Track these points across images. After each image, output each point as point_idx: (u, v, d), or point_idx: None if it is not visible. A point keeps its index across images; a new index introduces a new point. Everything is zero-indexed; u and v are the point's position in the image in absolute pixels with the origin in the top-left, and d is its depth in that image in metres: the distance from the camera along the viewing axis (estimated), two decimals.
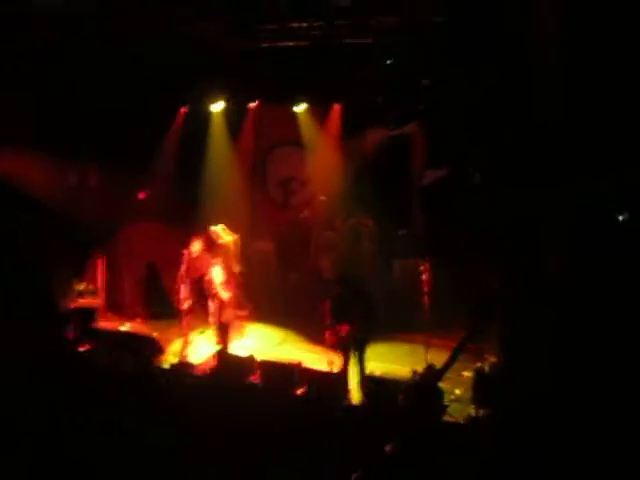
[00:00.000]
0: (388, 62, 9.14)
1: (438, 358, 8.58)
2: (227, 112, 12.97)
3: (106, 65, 10.99)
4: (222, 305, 10.43)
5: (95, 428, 6.87)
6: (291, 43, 9.91)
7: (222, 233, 11.21)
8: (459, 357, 8.19)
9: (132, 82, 11.26)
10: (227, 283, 10.49)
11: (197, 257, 10.64)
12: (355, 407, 8.55)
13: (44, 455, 6.24)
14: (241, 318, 11.27)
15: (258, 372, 9.07)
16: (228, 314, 10.50)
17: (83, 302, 11.69)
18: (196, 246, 10.66)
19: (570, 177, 6.19)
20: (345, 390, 8.77)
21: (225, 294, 10.42)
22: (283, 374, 8.86)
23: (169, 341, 11.00)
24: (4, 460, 6.05)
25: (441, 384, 7.86)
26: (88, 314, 11.08)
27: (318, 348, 10.69)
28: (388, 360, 9.94)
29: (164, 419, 7.26)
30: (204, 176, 13.21)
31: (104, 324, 11.82)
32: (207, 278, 10.53)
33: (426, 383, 6.59)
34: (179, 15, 9.70)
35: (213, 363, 9.69)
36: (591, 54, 5.75)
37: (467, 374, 8.81)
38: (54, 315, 10.52)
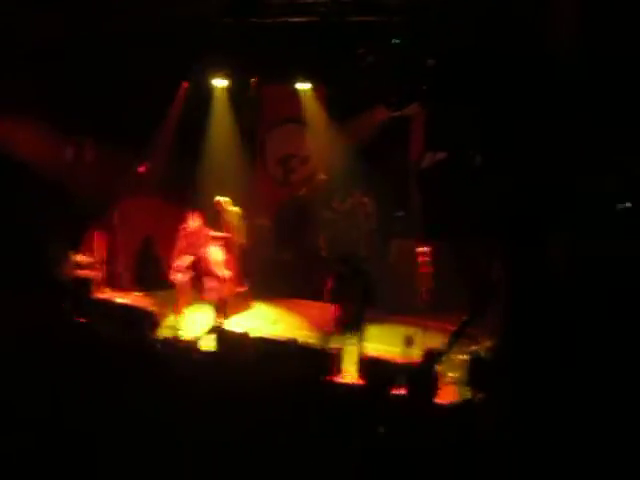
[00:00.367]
0: (393, 41, 9.08)
1: (433, 341, 8.62)
2: (230, 88, 12.90)
3: (106, 37, 10.90)
4: (220, 281, 10.42)
5: (93, 399, 6.89)
6: (296, 19, 9.82)
7: (227, 205, 11.22)
8: (457, 340, 8.27)
9: (132, 55, 11.17)
10: (227, 262, 10.47)
11: (194, 232, 10.63)
12: (349, 386, 8.58)
13: (44, 426, 6.26)
14: (240, 295, 11.27)
15: (253, 349, 9.09)
16: (227, 290, 10.50)
17: (80, 273, 11.66)
18: (193, 222, 10.64)
19: (573, 164, 6.18)
20: (339, 369, 8.80)
21: (224, 272, 10.41)
22: (278, 351, 8.88)
23: (164, 315, 11.01)
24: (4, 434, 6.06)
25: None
26: (84, 285, 11.08)
27: (313, 325, 10.73)
28: (382, 341, 9.96)
29: (161, 391, 7.29)
30: (204, 151, 13.15)
31: (100, 296, 11.83)
32: (203, 255, 10.52)
33: (425, 366, 6.62)
34: None
35: (207, 339, 9.70)
36: (604, 41, 5.72)
37: (462, 357, 8.83)
38: (51, 285, 10.53)
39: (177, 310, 10.83)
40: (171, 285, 10.98)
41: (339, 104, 12.54)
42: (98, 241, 12.47)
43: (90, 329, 9.40)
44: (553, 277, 5.69)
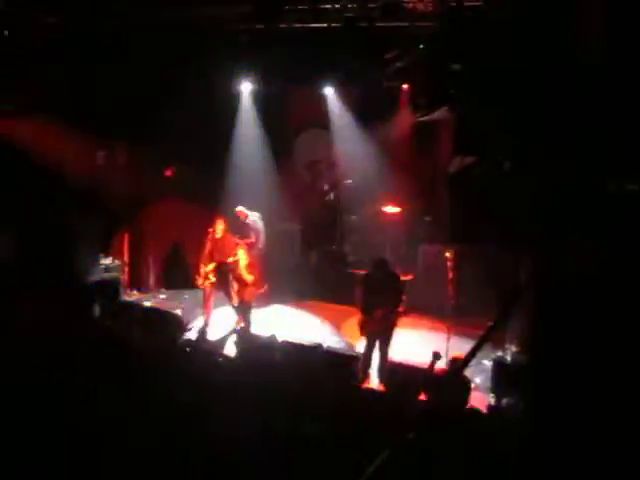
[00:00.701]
0: (420, 47, 9.06)
1: (459, 346, 8.57)
2: (257, 93, 12.96)
3: (137, 42, 11.00)
4: (245, 285, 10.46)
5: (121, 403, 6.94)
6: (323, 24, 9.84)
7: (246, 211, 11.28)
8: (482, 345, 8.20)
9: (162, 60, 11.25)
10: (250, 265, 10.51)
11: (221, 238, 10.68)
12: (374, 391, 8.56)
13: (70, 430, 6.31)
14: (260, 297, 11.30)
15: (279, 353, 9.09)
16: (250, 294, 10.53)
17: (109, 276, 11.79)
18: (220, 227, 10.70)
19: (601, 169, 6.11)
20: (366, 374, 8.79)
21: (249, 277, 10.45)
22: (304, 356, 8.88)
23: (191, 318, 11.10)
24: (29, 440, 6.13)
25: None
26: (113, 288, 11.19)
27: (339, 330, 10.73)
28: (409, 346, 9.93)
29: (189, 394, 7.32)
30: (231, 156, 13.23)
31: (128, 299, 11.97)
32: (231, 260, 10.56)
33: (452, 372, 6.56)
34: None
35: (233, 343, 9.73)
36: (631, 46, 5.65)
37: (487, 363, 8.78)
38: (80, 289, 10.65)
39: (204, 314, 10.89)
40: (198, 289, 11.04)
41: (366, 109, 12.55)
42: (127, 244, 12.62)
43: (118, 332, 9.46)
44: (581, 282, 5.63)
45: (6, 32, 10.69)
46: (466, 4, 8.41)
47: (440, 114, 10.60)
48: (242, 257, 10.45)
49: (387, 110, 12.22)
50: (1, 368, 7.32)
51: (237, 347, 9.49)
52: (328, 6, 9.52)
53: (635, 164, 5.81)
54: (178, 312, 11.08)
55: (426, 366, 8.10)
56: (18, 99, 11.12)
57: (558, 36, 5.88)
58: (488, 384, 8.29)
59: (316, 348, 8.97)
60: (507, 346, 8.58)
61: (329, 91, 12.63)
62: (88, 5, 10.62)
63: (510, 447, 5.37)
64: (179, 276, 12.82)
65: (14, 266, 10.62)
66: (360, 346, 9.17)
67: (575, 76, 5.84)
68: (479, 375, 8.76)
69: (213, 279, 10.73)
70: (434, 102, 9.78)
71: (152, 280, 13.14)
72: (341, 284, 11.81)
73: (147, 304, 11.85)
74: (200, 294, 11.07)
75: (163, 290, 12.87)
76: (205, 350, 9.71)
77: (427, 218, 13.06)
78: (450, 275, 9.98)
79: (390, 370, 8.57)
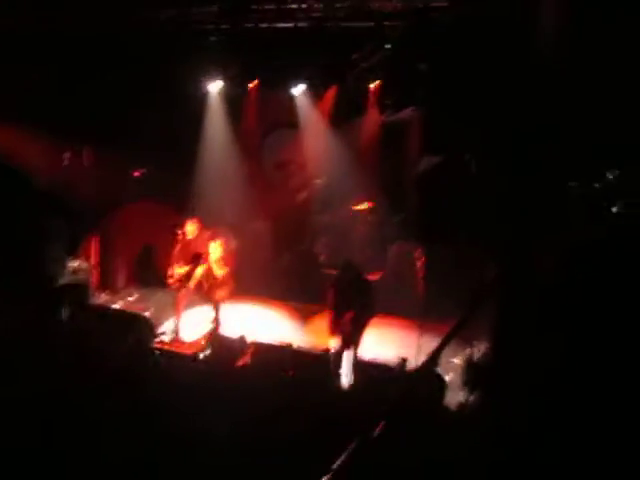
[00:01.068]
0: (387, 46, 9.10)
1: (430, 345, 8.60)
2: (225, 93, 12.92)
3: (102, 43, 10.93)
4: (215, 284, 10.41)
5: (89, 405, 6.89)
6: (290, 24, 9.84)
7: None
8: (450, 343, 8.26)
9: (129, 62, 11.19)
10: (222, 260, 10.45)
11: (193, 239, 10.63)
12: (345, 390, 8.59)
13: (39, 434, 6.27)
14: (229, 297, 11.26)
15: (249, 354, 9.09)
16: (221, 293, 10.48)
17: (77, 279, 11.67)
18: (191, 227, 10.65)
19: (566, 170, 6.20)
20: (336, 373, 8.81)
21: (219, 271, 10.39)
22: (274, 355, 8.89)
23: (161, 320, 11.04)
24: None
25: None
26: (81, 291, 11.08)
27: (309, 329, 10.74)
28: (379, 345, 9.96)
29: (158, 396, 7.30)
30: (201, 156, 13.17)
31: (97, 302, 11.85)
32: (204, 255, 10.49)
33: (424, 370, 6.62)
34: None
35: (204, 344, 9.71)
36: (593, 49, 5.74)
37: (457, 361, 8.85)
38: (47, 292, 10.53)
39: (175, 315, 10.83)
40: (168, 290, 10.98)
41: (335, 109, 12.56)
42: (95, 246, 12.50)
43: (86, 335, 9.39)
44: (546, 280, 5.70)
45: None
46: (432, 5, 8.47)
47: (407, 114, 10.66)
48: (214, 250, 10.39)
49: (356, 110, 12.24)
50: None
51: (207, 348, 9.48)
52: (294, 6, 9.54)
53: (597, 163, 5.90)
54: (147, 314, 11.01)
55: (395, 365, 8.18)
56: None
57: (522, 36, 5.95)
58: (459, 381, 8.36)
59: (286, 348, 8.98)
60: (475, 343, 8.64)
61: (297, 91, 12.62)
62: (55, 7, 10.54)
63: (475, 443, 5.42)
64: (149, 278, 12.72)
65: None
66: (330, 346, 9.18)
67: (539, 76, 5.91)
68: (450, 373, 8.82)
69: (186, 282, 10.66)
70: (401, 102, 9.84)
71: (121, 282, 13.02)
72: (312, 284, 11.81)
73: (116, 306, 11.76)
74: (170, 296, 11.01)
75: (133, 292, 12.76)
76: (174, 351, 9.68)
77: (396, 218, 13.10)
78: (419, 274, 10.05)
79: (360, 369, 8.61)
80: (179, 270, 10.61)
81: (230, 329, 10.44)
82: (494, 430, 5.40)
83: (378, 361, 8.61)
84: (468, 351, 8.34)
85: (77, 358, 8.17)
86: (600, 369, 5.40)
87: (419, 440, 6.09)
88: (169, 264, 10.68)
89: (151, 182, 12.97)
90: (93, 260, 12.48)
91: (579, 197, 5.92)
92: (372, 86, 11.53)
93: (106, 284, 12.79)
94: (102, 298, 12.30)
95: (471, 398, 7.40)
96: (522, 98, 6.36)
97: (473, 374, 7.74)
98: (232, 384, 8.09)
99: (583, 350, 5.48)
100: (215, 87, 12.67)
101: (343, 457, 4.19)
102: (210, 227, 11.24)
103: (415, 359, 8.79)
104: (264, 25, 9.90)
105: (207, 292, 10.55)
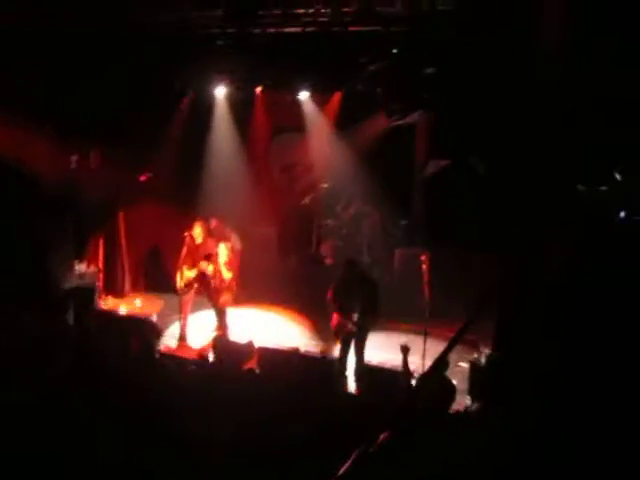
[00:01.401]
0: (394, 51, 9.11)
1: (436, 348, 8.59)
2: (232, 97, 12.94)
3: (111, 49, 10.95)
4: (220, 288, 10.41)
5: (95, 410, 6.88)
6: (297, 29, 9.85)
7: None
8: (456, 348, 8.24)
9: (136, 65, 11.21)
10: (230, 263, 10.45)
11: (201, 243, 10.63)
12: (351, 395, 8.57)
13: (45, 439, 6.26)
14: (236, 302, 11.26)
15: (256, 358, 9.07)
16: (226, 298, 10.48)
17: (83, 283, 11.68)
18: (198, 231, 10.65)
19: (573, 174, 6.18)
20: (343, 378, 8.79)
21: (227, 274, 10.38)
22: (281, 360, 8.87)
23: (168, 324, 11.05)
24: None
25: None
26: (87, 295, 11.09)
27: (316, 334, 10.74)
28: (386, 349, 9.95)
29: (164, 402, 7.28)
30: (207, 160, 13.20)
31: (104, 305, 11.87)
32: (212, 258, 10.48)
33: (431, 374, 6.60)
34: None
35: (210, 349, 9.69)
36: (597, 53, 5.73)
37: (464, 365, 8.82)
38: (54, 296, 10.54)
39: (181, 319, 10.83)
40: (174, 294, 10.98)
41: (341, 113, 12.57)
42: (102, 250, 12.52)
43: (92, 340, 9.39)
44: (553, 284, 5.69)
45: None
46: (439, 9, 8.46)
47: (414, 118, 10.66)
48: (223, 253, 10.39)
49: (362, 114, 12.25)
50: None
51: (214, 353, 9.47)
52: (302, 11, 9.54)
53: (600, 166, 5.89)
54: (154, 318, 11.01)
55: (402, 368, 8.14)
56: None
57: (526, 38, 5.94)
58: (465, 386, 8.33)
59: (293, 353, 8.96)
60: (482, 348, 8.63)
61: (304, 95, 12.64)
62: (63, 8, 10.56)
63: (480, 448, 5.40)
64: (155, 282, 12.75)
65: None
66: (337, 350, 9.18)
67: (544, 79, 5.90)
68: (456, 377, 8.78)
69: (195, 285, 10.66)
70: (408, 106, 9.84)
71: (128, 286, 13.04)
72: (318, 288, 11.80)
73: (122, 310, 11.77)
74: (176, 300, 11.01)
75: (139, 296, 12.78)
76: (181, 356, 9.67)
77: (403, 221, 13.10)
78: (426, 278, 10.02)
79: (367, 373, 8.59)
80: (188, 274, 10.61)
81: (237, 333, 10.44)
82: (500, 434, 5.39)
83: (385, 366, 8.57)
84: (474, 355, 8.34)
85: (82, 362, 8.18)
86: (607, 371, 5.38)
87: (425, 446, 6.07)
88: (177, 268, 10.67)
89: (158, 185, 12.98)
90: (100, 264, 12.50)
91: (587, 200, 5.91)
92: (379, 90, 11.52)
93: (112, 288, 12.82)
94: (108, 302, 12.32)
95: (477, 403, 7.38)
96: (528, 100, 6.35)
97: (479, 378, 7.72)
98: (239, 388, 8.07)
99: (589, 351, 5.47)
100: (222, 91, 12.70)
101: (347, 464, 4.18)
102: (216, 230, 11.28)
103: (421, 364, 8.81)
104: (271, 30, 9.90)
105: (213, 295, 10.55)
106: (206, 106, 13.01)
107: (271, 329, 11.26)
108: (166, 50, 10.72)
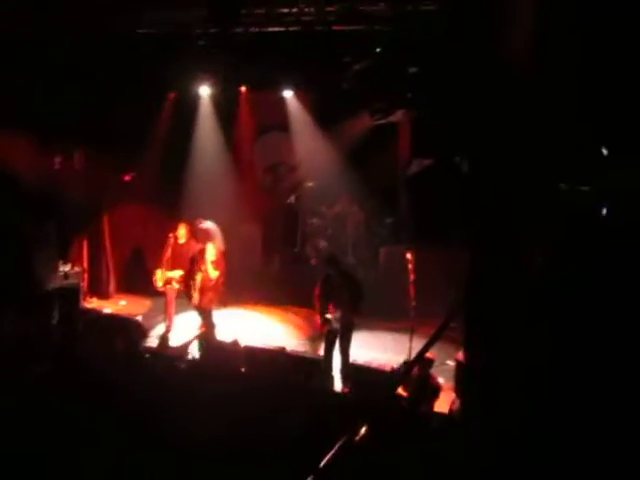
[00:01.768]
0: (377, 50, 9.12)
1: (420, 346, 8.62)
2: (216, 97, 12.93)
3: (93, 49, 10.90)
4: (206, 287, 10.39)
5: (80, 410, 6.87)
6: (280, 28, 9.85)
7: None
8: (442, 346, 8.28)
9: (119, 65, 11.17)
10: (217, 262, 10.45)
11: (184, 243, 10.62)
12: (337, 394, 8.59)
13: (32, 438, 6.24)
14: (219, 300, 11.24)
15: (241, 357, 9.07)
16: (211, 297, 10.46)
17: (68, 283, 11.63)
18: (182, 231, 10.64)
19: (556, 172, 6.21)
20: (329, 376, 8.81)
21: (214, 272, 10.37)
22: (267, 359, 8.88)
23: (152, 325, 11.03)
24: None
25: None
26: (72, 296, 11.05)
27: (301, 333, 10.76)
28: (371, 348, 9.99)
29: (149, 401, 7.27)
30: (191, 160, 13.18)
31: (88, 306, 11.83)
32: (196, 257, 10.47)
33: (404, 372, 6.65)
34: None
35: (195, 347, 9.69)
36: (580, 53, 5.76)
37: (450, 363, 8.86)
38: (37, 297, 10.49)
39: (166, 319, 10.82)
40: (159, 294, 10.96)
41: (325, 112, 12.59)
42: (86, 251, 12.48)
43: (77, 339, 9.37)
44: (533, 282, 5.71)
45: None
46: (422, 8, 8.49)
47: (398, 117, 10.66)
48: (210, 252, 10.39)
49: (346, 113, 12.27)
50: None
51: (199, 352, 9.46)
52: (285, 10, 9.55)
53: (585, 165, 5.92)
54: (139, 318, 10.99)
55: (389, 367, 8.17)
56: None
57: (509, 36, 5.95)
58: (451, 385, 8.37)
59: (279, 351, 8.97)
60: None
61: (288, 94, 12.64)
62: (44, 12, 10.50)
63: (459, 447, 5.43)
64: (140, 282, 12.71)
65: None
66: (321, 347, 9.21)
67: (528, 78, 5.92)
68: (443, 375, 8.83)
69: (177, 285, 10.65)
70: (391, 105, 9.84)
71: (112, 286, 13.02)
72: (303, 287, 11.82)
73: (107, 311, 11.74)
74: (162, 300, 11.00)
75: (124, 296, 12.75)
76: (166, 355, 9.66)
77: (388, 220, 13.14)
78: (411, 276, 10.06)
79: (353, 372, 8.61)
80: (170, 274, 10.60)
81: (222, 333, 10.44)
82: (483, 432, 5.41)
83: (371, 365, 8.61)
84: (460, 353, 8.37)
85: (67, 362, 8.15)
86: (592, 368, 5.41)
87: (406, 441, 6.09)
88: (159, 268, 10.66)
89: (142, 186, 12.95)
90: (84, 264, 12.46)
91: (569, 199, 5.94)
92: (362, 89, 11.53)
93: (97, 288, 12.78)
94: (93, 302, 12.28)
95: (462, 400, 7.42)
96: (511, 99, 6.37)
97: (464, 376, 7.75)
98: (224, 388, 8.07)
99: (573, 349, 5.50)
100: (206, 90, 12.68)
101: (327, 457, 4.20)
102: (201, 232, 11.26)
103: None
104: (255, 29, 9.90)
105: (199, 294, 10.54)
106: (190, 106, 13.00)
107: (256, 328, 11.26)
108: (150, 50, 10.69)
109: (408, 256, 10.20)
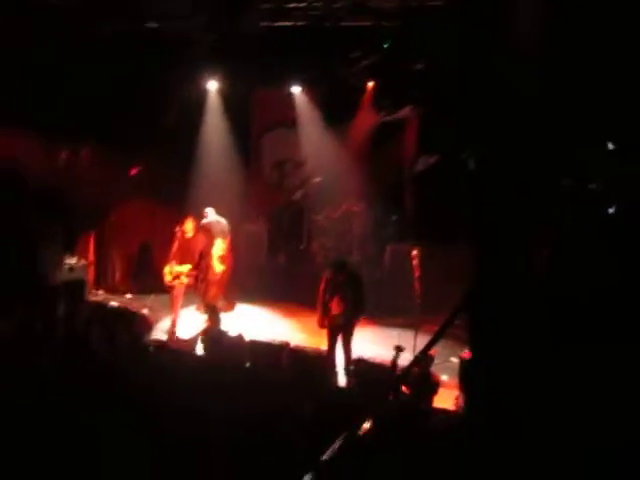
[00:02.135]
0: (385, 46, 9.13)
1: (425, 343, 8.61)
2: (223, 93, 12.93)
3: (101, 44, 10.93)
4: (211, 281, 10.41)
5: (86, 402, 6.88)
6: (289, 23, 9.86)
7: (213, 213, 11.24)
8: (447, 343, 8.28)
9: (127, 60, 11.19)
10: (223, 257, 10.46)
11: (192, 237, 10.64)
12: (341, 389, 8.59)
13: (38, 430, 6.25)
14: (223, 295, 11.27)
15: (247, 351, 9.09)
16: (216, 292, 10.49)
17: (74, 276, 11.66)
18: (190, 226, 10.66)
19: (561, 170, 6.20)
20: (332, 372, 8.81)
21: (219, 267, 10.37)
22: (271, 354, 8.88)
23: (158, 318, 11.04)
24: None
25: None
26: (78, 289, 11.08)
27: (305, 328, 10.76)
28: (376, 344, 9.99)
29: (154, 394, 7.29)
30: (198, 155, 13.19)
31: (94, 299, 11.86)
32: (204, 252, 10.49)
33: (407, 368, 6.65)
34: None
35: (200, 341, 9.70)
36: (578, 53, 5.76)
37: (455, 360, 8.85)
38: (44, 290, 10.52)
39: (172, 313, 10.84)
40: (166, 288, 10.98)
41: (333, 108, 12.58)
42: (92, 244, 12.51)
43: (83, 332, 9.39)
44: (536, 282, 5.70)
45: None
46: (427, 4, 8.48)
47: (405, 113, 10.67)
48: (219, 247, 10.39)
49: (353, 109, 12.27)
50: None
51: (205, 346, 9.47)
52: (293, 5, 9.55)
53: (592, 164, 5.91)
54: (145, 312, 11.00)
55: (392, 363, 8.16)
56: None
57: (515, 32, 5.94)
58: (455, 382, 8.36)
59: (283, 347, 8.98)
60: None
61: (296, 90, 12.64)
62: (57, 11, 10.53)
63: (462, 444, 5.42)
64: (146, 276, 12.74)
65: None
66: (324, 344, 9.22)
67: (532, 72, 5.91)
68: (446, 372, 8.82)
69: (185, 280, 10.66)
70: (398, 102, 9.86)
71: (119, 279, 13.05)
72: (308, 284, 11.82)
73: (113, 304, 11.75)
74: (167, 295, 11.01)
75: (130, 289, 12.78)
76: (172, 349, 9.67)
77: (394, 217, 13.12)
78: (417, 274, 10.06)
79: (356, 367, 8.61)
80: (178, 268, 10.62)
81: (227, 327, 10.45)
82: (487, 429, 5.40)
83: (375, 360, 8.61)
84: (465, 351, 8.36)
85: (73, 355, 8.17)
86: (592, 367, 5.39)
87: (407, 439, 6.09)
88: (167, 262, 10.68)
89: (148, 180, 12.97)
90: (90, 257, 12.49)
91: (573, 196, 5.93)
92: (370, 85, 11.55)
93: (103, 282, 12.81)
94: (99, 295, 12.32)
95: (466, 397, 7.41)
96: (518, 95, 6.36)
97: (468, 373, 7.75)
98: (229, 382, 8.08)
99: (575, 350, 5.48)
100: (214, 85, 12.68)
101: (331, 450, 4.21)
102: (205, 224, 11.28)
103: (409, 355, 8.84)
104: (264, 24, 9.90)
105: (204, 288, 10.57)
106: (198, 102, 13.00)
107: (261, 324, 11.27)
108: (159, 46, 10.71)
109: (414, 253, 10.20)
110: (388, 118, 11.18)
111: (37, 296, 10.13)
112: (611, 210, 6.20)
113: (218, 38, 10.34)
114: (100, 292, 12.51)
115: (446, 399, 8.00)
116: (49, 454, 6.04)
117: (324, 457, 3.81)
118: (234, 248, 11.68)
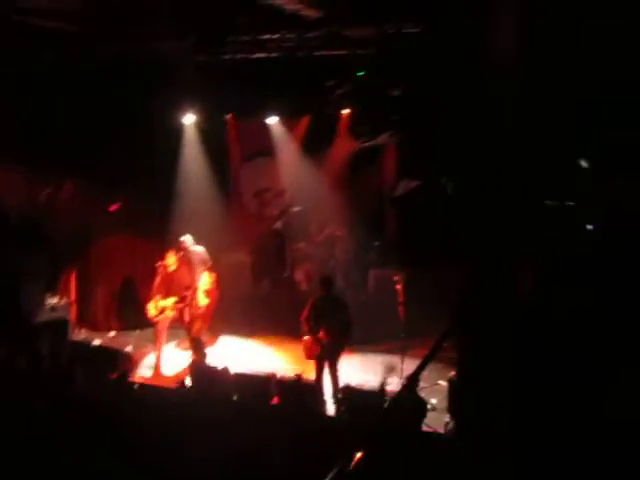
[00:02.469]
0: (360, 74, 9.19)
1: (413, 367, 8.58)
2: (201, 125, 12.96)
3: (80, 81, 10.95)
4: (195, 315, 10.36)
5: (70, 442, 6.81)
6: (263, 55, 9.93)
7: (190, 244, 11.18)
8: (435, 366, 8.26)
9: (103, 95, 11.20)
10: (208, 291, 10.43)
11: (175, 270, 10.58)
12: (330, 417, 8.55)
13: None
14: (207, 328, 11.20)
15: (232, 384, 9.02)
16: (200, 325, 10.43)
17: (56, 316, 11.54)
18: (172, 259, 10.60)
19: (542, 189, 6.25)
20: (322, 400, 8.76)
21: (204, 300, 10.33)
22: (258, 386, 8.82)
23: (143, 354, 10.95)
24: None
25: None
26: (61, 328, 10.97)
27: (291, 358, 10.71)
28: (363, 371, 9.95)
29: (140, 431, 7.23)
30: (178, 187, 13.17)
31: (77, 338, 11.73)
32: (190, 286, 10.44)
33: (406, 395, 6.61)
34: (148, 31, 9.72)
35: (186, 375, 9.63)
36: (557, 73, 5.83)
37: (443, 383, 8.84)
38: (27, 327, 10.42)
39: (156, 348, 10.74)
40: (150, 324, 10.89)
41: (310, 136, 12.65)
42: (74, 282, 12.40)
43: (67, 372, 9.29)
44: (523, 302, 5.73)
45: None
46: (404, 31, 8.58)
47: (384, 139, 10.71)
48: (205, 281, 10.35)
49: (331, 137, 12.34)
50: None
51: (190, 380, 9.40)
52: (267, 36, 9.63)
53: (569, 183, 5.97)
54: (128, 349, 10.91)
55: (380, 388, 8.14)
56: None
57: (492, 58, 6.02)
58: (444, 405, 8.34)
59: (270, 378, 8.93)
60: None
61: (273, 120, 12.71)
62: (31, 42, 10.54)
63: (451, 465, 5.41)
64: (129, 312, 12.63)
65: None
66: (310, 372, 9.18)
67: (511, 98, 5.99)
68: (436, 395, 8.80)
69: (170, 313, 10.59)
70: (376, 128, 9.90)
71: (101, 317, 12.92)
72: (293, 313, 11.79)
73: (96, 342, 11.63)
74: (151, 330, 10.93)
75: (113, 328, 12.66)
76: (157, 386, 9.59)
77: (376, 243, 13.15)
78: (401, 298, 10.07)
79: (344, 395, 8.56)
80: (162, 302, 10.54)
81: (212, 360, 10.37)
82: (477, 451, 5.39)
83: (362, 387, 8.58)
84: (452, 374, 8.35)
85: (58, 395, 8.09)
86: (580, 387, 5.40)
87: (398, 466, 6.06)
88: (150, 297, 10.60)
89: (129, 215, 12.91)
90: (72, 296, 12.37)
91: (554, 215, 5.98)
92: (346, 113, 11.63)
93: (86, 320, 12.68)
94: (82, 334, 12.19)
95: (453, 422, 7.39)
96: (495, 119, 6.42)
97: (455, 397, 7.73)
98: (216, 415, 8.02)
99: (563, 374, 5.49)
100: (191, 118, 12.72)
101: None
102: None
103: (400, 383, 8.80)
104: (238, 57, 9.97)
105: (188, 322, 10.51)
106: (176, 134, 13.01)
107: (246, 355, 11.21)
108: (135, 80, 10.73)
109: (397, 277, 10.22)
110: (366, 144, 11.23)
111: (20, 333, 10.05)
112: (590, 227, 6.26)
113: (196, 69, 10.40)
114: (83, 331, 12.37)
115: (436, 422, 7.98)
116: None
117: None
118: (217, 278, 11.64)
